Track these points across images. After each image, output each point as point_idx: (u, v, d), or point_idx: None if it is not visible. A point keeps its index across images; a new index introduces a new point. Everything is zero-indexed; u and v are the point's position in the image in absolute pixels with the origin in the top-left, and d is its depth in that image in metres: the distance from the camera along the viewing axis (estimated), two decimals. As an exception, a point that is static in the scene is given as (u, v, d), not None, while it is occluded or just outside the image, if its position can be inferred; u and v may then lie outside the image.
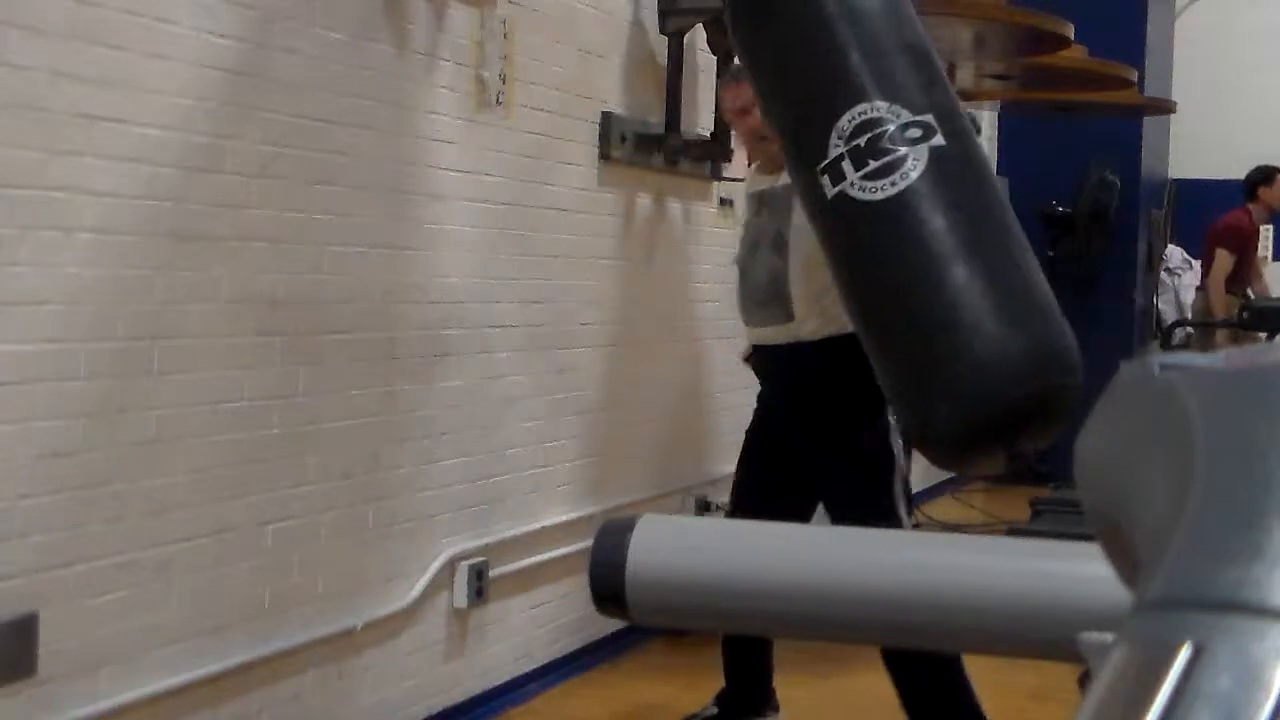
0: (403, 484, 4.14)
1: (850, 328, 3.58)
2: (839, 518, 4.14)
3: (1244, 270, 9.27)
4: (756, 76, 3.47)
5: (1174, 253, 10.26)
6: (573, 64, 4.87)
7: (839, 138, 3.17)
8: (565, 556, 4.81)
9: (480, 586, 4.46)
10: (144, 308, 3.26)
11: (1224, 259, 9.12)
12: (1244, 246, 9.26)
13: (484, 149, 4.43)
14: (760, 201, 4.26)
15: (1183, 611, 0.50)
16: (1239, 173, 9.46)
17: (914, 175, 3.10)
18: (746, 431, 4.41)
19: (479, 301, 4.44)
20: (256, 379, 3.58)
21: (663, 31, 5.25)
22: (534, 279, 4.69)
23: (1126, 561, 0.64)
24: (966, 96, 7.93)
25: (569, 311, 4.91)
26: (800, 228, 3.93)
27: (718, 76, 5.23)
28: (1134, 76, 7.53)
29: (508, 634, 4.69)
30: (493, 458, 4.54)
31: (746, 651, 4.36)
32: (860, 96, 3.18)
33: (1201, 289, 9.48)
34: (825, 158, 3.19)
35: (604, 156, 5.05)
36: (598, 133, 5.03)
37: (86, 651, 3.16)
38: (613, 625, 4.93)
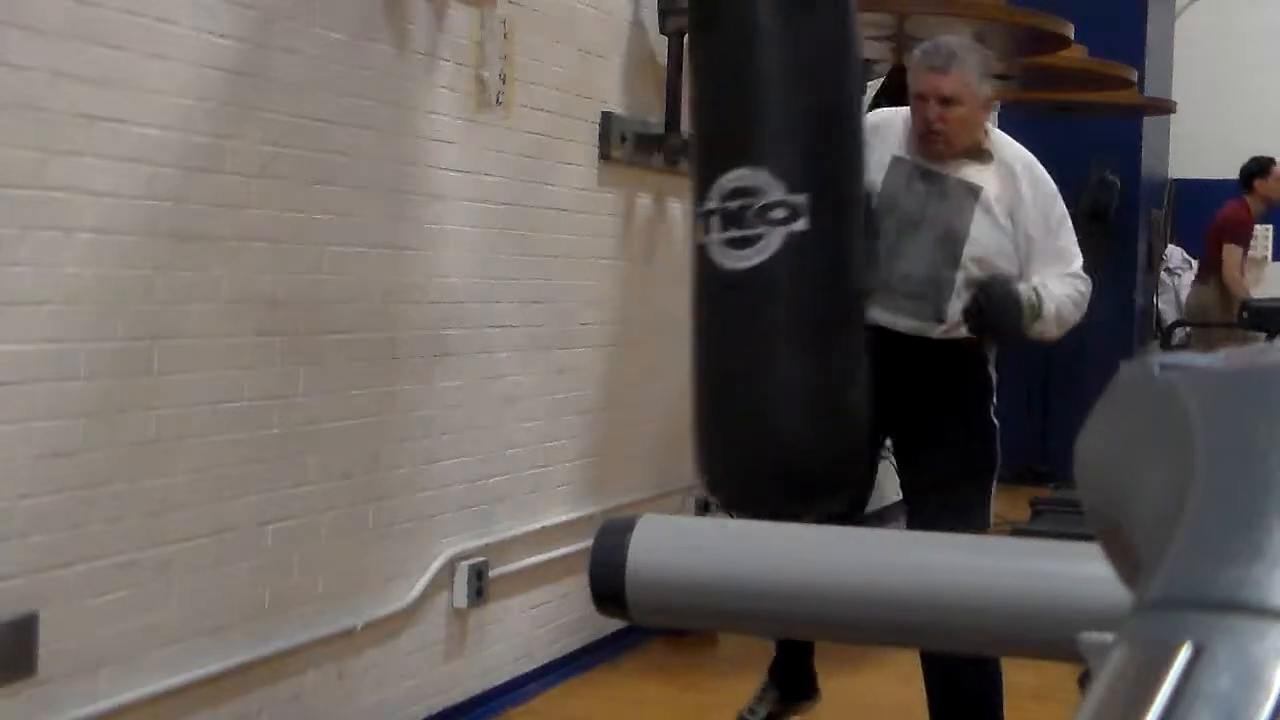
0: (403, 484, 4.14)
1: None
2: (923, 513, 3.98)
3: (1243, 262, 9.31)
4: (693, 78, 3.54)
5: (1174, 253, 10.26)
6: (573, 64, 4.87)
7: (719, 193, 3.29)
8: (565, 556, 4.81)
9: (480, 586, 4.46)
10: (144, 308, 3.26)
11: (1233, 252, 9.13)
12: (1245, 238, 9.29)
13: (484, 149, 4.43)
14: (930, 183, 3.87)
15: (1183, 611, 0.50)
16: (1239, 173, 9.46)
17: (763, 257, 3.23)
18: None
19: (479, 301, 4.44)
20: (256, 379, 3.58)
21: (663, 31, 5.25)
22: (534, 279, 4.69)
23: (1126, 561, 0.64)
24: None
25: (569, 311, 4.91)
26: (979, 240, 3.82)
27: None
28: (1134, 76, 7.52)
29: (508, 634, 4.69)
30: (493, 458, 4.54)
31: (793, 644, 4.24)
32: (744, 159, 3.26)
33: (1200, 282, 9.46)
34: (703, 205, 3.34)
35: (604, 156, 5.05)
36: (598, 133, 5.03)
37: (86, 651, 3.16)
38: (613, 625, 4.93)
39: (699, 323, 3.42)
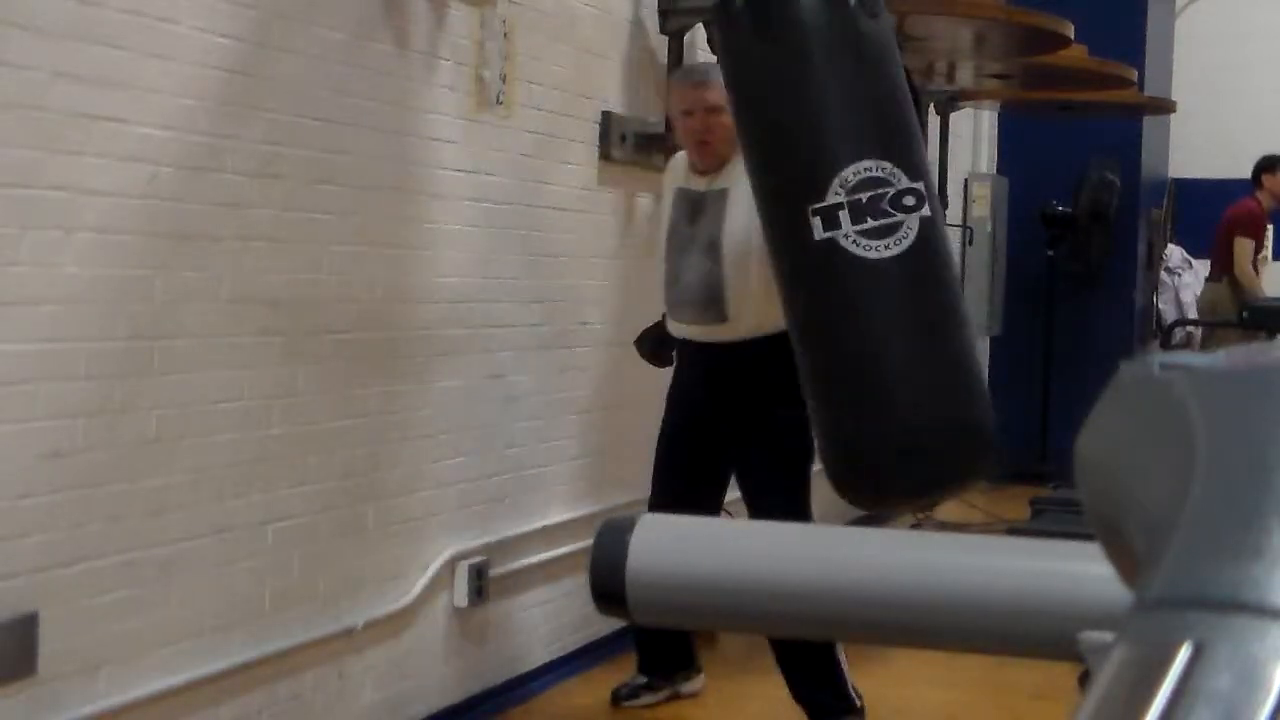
0: (403, 484, 4.14)
1: (781, 326, 3.88)
2: (755, 505, 4.33)
3: (1256, 258, 9.27)
4: (742, 87, 3.56)
5: (1174, 253, 10.25)
6: (573, 64, 4.87)
7: (841, 186, 3.32)
8: (565, 556, 4.81)
9: (480, 586, 4.46)
10: (144, 308, 3.26)
11: (1245, 245, 9.11)
12: (1259, 233, 9.26)
13: (484, 149, 4.43)
14: (693, 204, 4.31)
15: (1183, 611, 0.50)
16: (1239, 173, 9.45)
17: (906, 243, 3.31)
18: (668, 425, 4.48)
19: (479, 301, 4.44)
20: (256, 379, 3.58)
21: (663, 31, 5.25)
22: (534, 279, 4.69)
23: (1126, 561, 0.64)
24: (967, 96, 7.94)
25: (569, 311, 4.91)
26: (732, 233, 4.17)
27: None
28: (1134, 76, 7.52)
29: (508, 634, 4.69)
30: (493, 458, 4.54)
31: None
32: (868, 152, 3.33)
33: (1212, 280, 9.44)
34: (822, 200, 3.35)
35: (604, 156, 5.05)
36: (598, 133, 5.03)
37: (86, 651, 3.16)
38: (613, 625, 4.93)
39: (832, 315, 3.45)
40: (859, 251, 3.31)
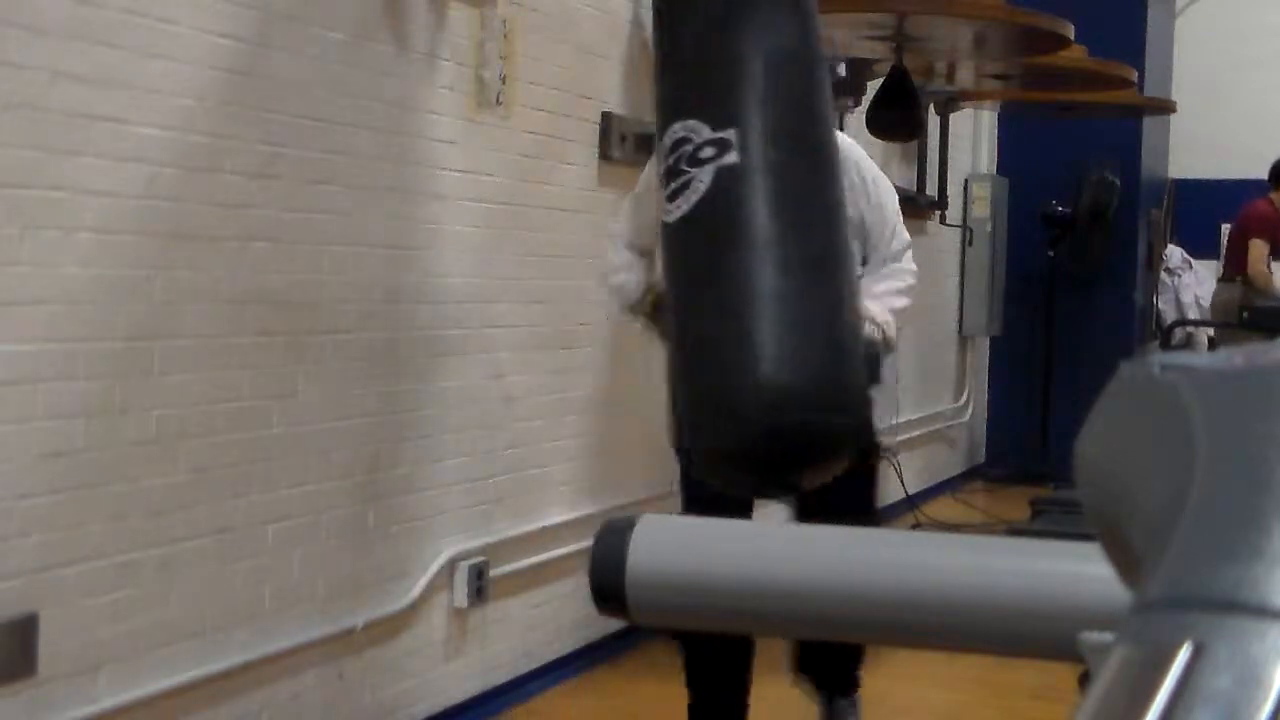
0: (403, 484, 4.14)
1: None
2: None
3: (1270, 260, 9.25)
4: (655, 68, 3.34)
5: (1174, 253, 10.26)
6: (573, 64, 4.87)
7: (663, 155, 3.11)
8: (565, 556, 4.81)
9: (480, 586, 4.46)
10: (144, 308, 3.26)
11: (1259, 247, 9.08)
12: (1273, 233, 9.24)
13: (484, 149, 4.43)
14: None
15: (1183, 611, 0.50)
16: (1239, 173, 9.45)
17: (694, 199, 2.99)
18: None
19: (479, 301, 4.43)
20: (256, 379, 3.58)
21: (663, 31, 5.24)
22: (534, 279, 4.69)
23: (1126, 561, 0.64)
24: (967, 96, 7.94)
25: (569, 311, 4.91)
26: None
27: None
28: (1134, 76, 7.52)
29: (508, 634, 4.68)
30: (493, 458, 4.54)
31: (718, 660, 4.15)
32: (677, 114, 3.08)
33: (1225, 280, 9.43)
34: (659, 169, 3.17)
35: (604, 156, 5.05)
36: (598, 133, 5.03)
37: (86, 651, 3.16)
38: (613, 625, 4.93)
39: (665, 283, 3.26)
40: (665, 217, 3.08)
